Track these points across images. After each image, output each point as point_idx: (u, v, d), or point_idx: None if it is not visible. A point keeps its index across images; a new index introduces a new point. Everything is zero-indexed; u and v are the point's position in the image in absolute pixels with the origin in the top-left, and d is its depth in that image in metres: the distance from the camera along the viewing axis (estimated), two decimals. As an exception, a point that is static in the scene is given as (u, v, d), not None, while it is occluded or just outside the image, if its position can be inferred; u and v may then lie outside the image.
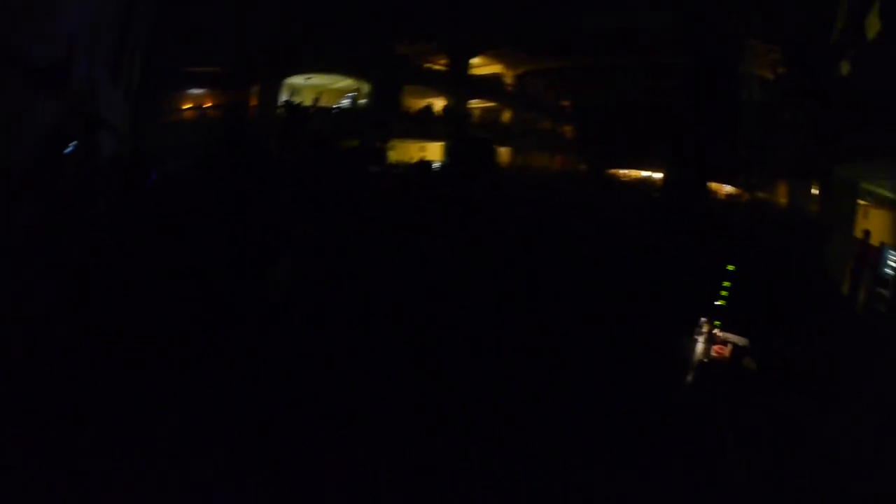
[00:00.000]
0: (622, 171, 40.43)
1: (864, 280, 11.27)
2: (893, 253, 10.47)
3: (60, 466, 3.50)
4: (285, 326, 5.94)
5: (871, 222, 15.37)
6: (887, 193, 13.45)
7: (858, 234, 12.80)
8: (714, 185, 28.94)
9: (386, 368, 5.31)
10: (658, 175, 33.46)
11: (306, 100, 32.06)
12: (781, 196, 23.24)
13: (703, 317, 6.54)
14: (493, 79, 41.55)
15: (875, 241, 12.08)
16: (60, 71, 7.76)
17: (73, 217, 8.20)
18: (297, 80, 31.13)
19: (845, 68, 12.13)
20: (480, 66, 40.45)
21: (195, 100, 27.77)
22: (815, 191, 15.57)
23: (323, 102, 32.51)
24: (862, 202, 14.30)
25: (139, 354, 4.88)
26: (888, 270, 10.56)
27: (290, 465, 3.86)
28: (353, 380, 5.04)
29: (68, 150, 8.04)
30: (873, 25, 10.26)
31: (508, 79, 41.97)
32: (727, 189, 28.70)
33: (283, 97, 29.30)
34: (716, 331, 6.40)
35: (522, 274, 7.37)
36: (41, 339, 5.11)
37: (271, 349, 5.37)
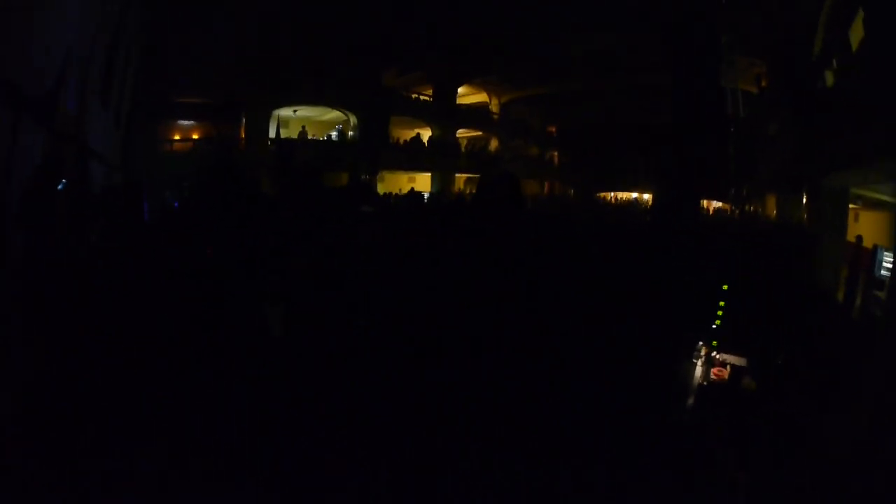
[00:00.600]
0: (611, 194, 40.68)
1: (859, 284, 11.31)
2: (888, 254, 10.50)
3: (61, 466, 3.44)
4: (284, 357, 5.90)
5: (863, 225, 15.46)
6: (877, 196, 13.54)
7: (851, 238, 12.87)
8: (704, 203, 29.17)
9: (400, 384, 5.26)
10: (647, 196, 33.77)
11: (294, 132, 32.27)
12: (771, 208, 23.40)
13: (700, 339, 6.47)
14: (480, 108, 41.92)
15: (868, 243, 12.15)
16: (49, 102, 7.74)
17: (66, 250, 8.14)
18: (285, 111, 31.30)
19: (830, 79, 12.30)
20: (466, 95, 40.81)
21: (184, 131, 27.97)
22: (804, 200, 15.64)
23: (311, 135, 32.68)
24: (852, 206, 14.40)
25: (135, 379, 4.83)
26: (883, 272, 10.59)
27: (290, 466, 3.81)
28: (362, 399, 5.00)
29: (60, 186, 8.00)
30: (857, 35, 10.41)
31: (494, 107, 42.21)
32: (717, 205, 28.88)
33: (272, 129, 29.49)
34: (714, 353, 6.32)
35: (524, 301, 7.32)
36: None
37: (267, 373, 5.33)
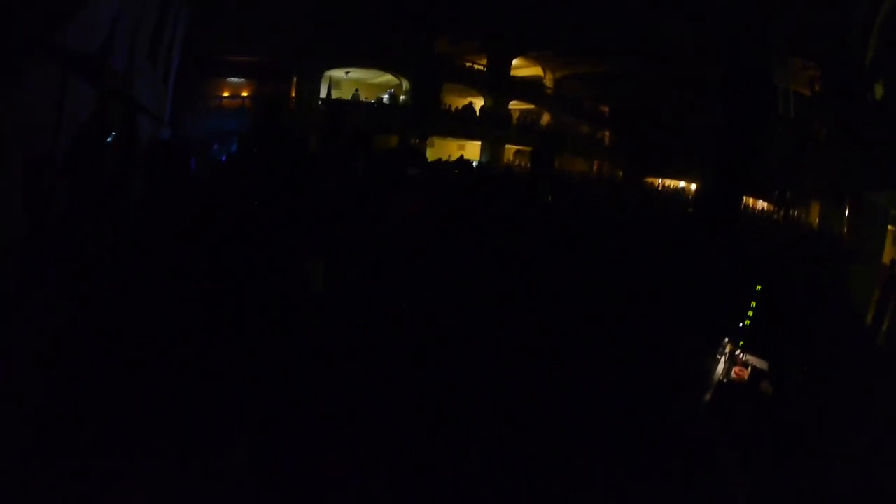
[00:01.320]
0: (659, 180, 40.05)
1: (888, 309, 11.07)
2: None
3: (61, 467, 3.54)
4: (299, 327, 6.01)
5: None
6: None
7: (886, 261, 12.56)
8: (750, 201, 28.58)
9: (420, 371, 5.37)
10: (694, 186, 33.15)
11: (345, 94, 32.30)
12: (814, 216, 22.88)
13: (727, 336, 6.46)
14: (534, 81, 41.41)
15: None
16: (99, 59, 7.93)
17: (112, 205, 8.36)
18: (336, 73, 31.33)
19: (879, 91, 11.92)
20: (521, 67, 40.37)
21: (233, 88, 28.12)
22: (846, 213, 15.27)
23: (363, 97, 32.71)
24: (892, 227, 14.02)
25: (156, 349, 4.98)
26: (915, 301, 10.37)
27: (291, 466, 3.91)
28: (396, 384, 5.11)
29: (108, 139, 8.20)
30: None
31: (548, 82, 41.73)
32: (760, 204, 28.28)
33: (323, 90, 29.53)
34: (738, 351, 6.31)
35: (554, 282, 7.34)
36: (72, 332, 5.22)
37: (281, 349, 5.45)
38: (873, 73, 12.20)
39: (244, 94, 28.00)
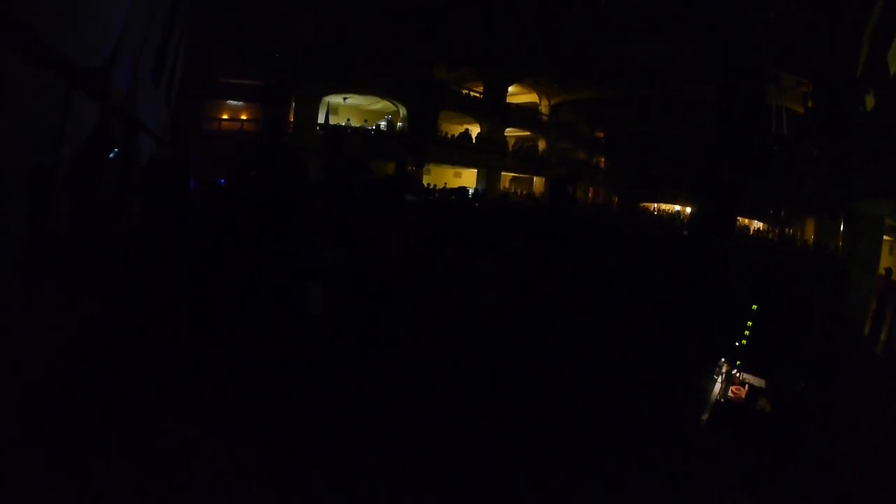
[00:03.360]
0: (654, 205, 40.31)
1: (885, 319, 11.10)
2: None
3: (61, 467, 3.54)
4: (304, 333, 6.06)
5: (896, 259, 15.14)
6: None
7: (882, 271, 12.63)
8: (745, 222, 28.78)
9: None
10: (689, 210, 33.37)
11: (343, 119, 32.54)
12: (809, 232, 23.04)
13: (724, 356, 6.48)
14: (529, 108, 41.86)
15: (899, 278, 11.94)
16: (103, 77, 8.00)
17: (111, 220, 8.41)
18: (335, 98, 31.57)
19: (870, 103, 12.07)
20: (517, 94, 40.78)
21: (232, 111, 28.38)
22: (841, 227, 15.37)
23: (360, 123, 32.95)
24: (888, 237, 14.11)
25: (161, 355, 5.02)
26: (911, 309, 10.41)
27: (291, 466, 3.91)
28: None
29: (111, 155, 8.27)
30: (895, 63, 10.23)
31: (544, 108, 42.12)
32: (757, 225, 28.46)
33: (321, 115, 29.75)
34: (734, 371, 6.33)
35: (560, 303, 7.39)
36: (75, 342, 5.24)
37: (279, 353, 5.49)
38: (864, 85, 12.36)
39: (243, 116, 28.25)
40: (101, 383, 4.47)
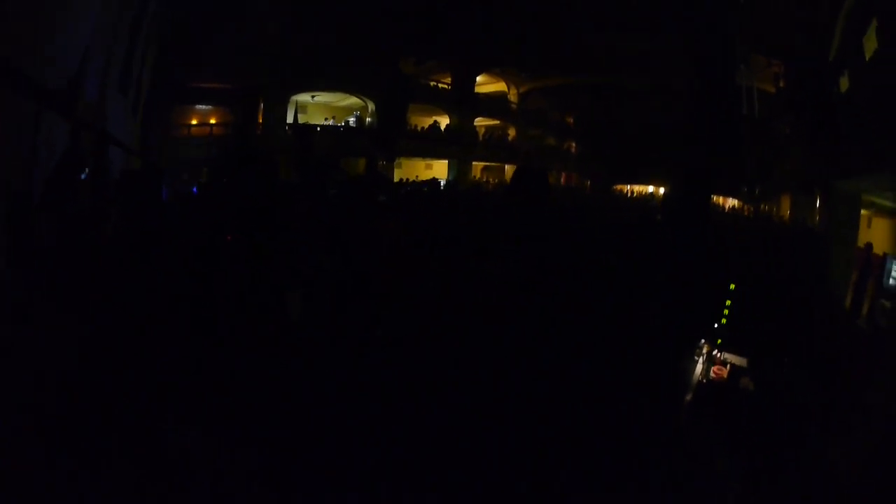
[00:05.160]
0: (627, 187, 40.54)
1: (867, 292, 11.26)
2: (899, 263, 10.43)
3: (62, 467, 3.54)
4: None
5: (875, 231, 15.37)
6: (889, 203, 13.49)
7: (861, 244, 12.79)
8: (720, 200, 29.06)
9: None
10: (662, 190, 33.57)
11: (312, 118, 32.36)
12: (785, 209, 23.29)
13: (704, 337, 6.51)
14: (498, 97, 41.86)
15: (880, 250, 12.10)
16: (71, 92, 7.91)
17: (86, 237, 8.31)
18: (303, 97, 31.37)
19: (844, 84, 12.23)
20: (485, 83, 40.76)
21: (201, 116, 28.13)
22: (817, 203, 15.56)
23: (329, 120, 32.83)
24: (865, 212, 14.31)
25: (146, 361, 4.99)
26: (892, 281, 10.54)
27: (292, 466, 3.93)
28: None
29: (82, 176, 8.18)
30: (871, 44, 10.37)
31: (513, 97, 42.16)
32: (732, 203, 28.75)
33: (290, 115, 29.60)
34: (715, 351, 6.37)
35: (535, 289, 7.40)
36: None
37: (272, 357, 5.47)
38: (838, 66, 12.51)
39: (212, 121, 28.00)
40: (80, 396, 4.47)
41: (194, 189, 13.99)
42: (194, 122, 28.03)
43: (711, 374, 6.11)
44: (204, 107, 28.22)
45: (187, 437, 4.04)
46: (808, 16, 14.75)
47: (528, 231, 8.05)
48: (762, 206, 24.03)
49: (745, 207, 25.32)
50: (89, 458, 3.71)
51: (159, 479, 3.61)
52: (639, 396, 5.48)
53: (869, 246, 12.40)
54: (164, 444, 3.94)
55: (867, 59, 10.60)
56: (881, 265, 11.22)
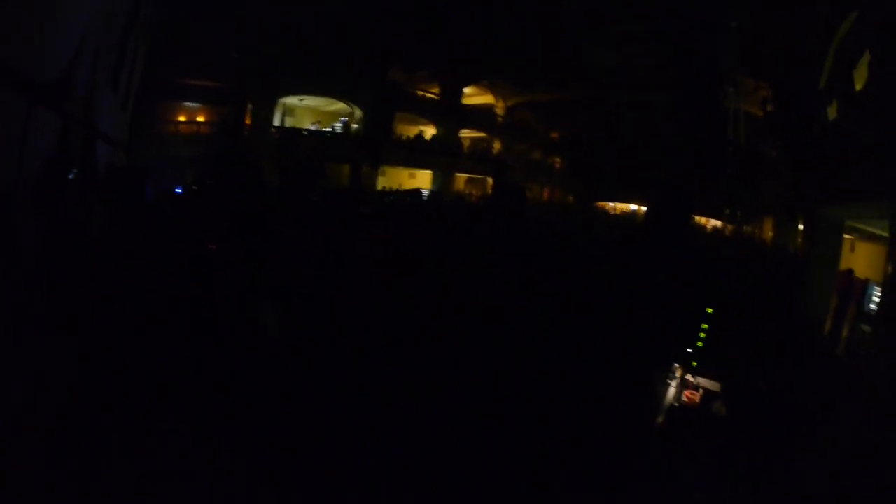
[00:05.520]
0: (610, 204, 40.69)
1: (846, 317, 11.32)
2: (878, 289, 10.49)
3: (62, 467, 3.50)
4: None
5: (858, 256, 15.48)
6: (872, 229, 13.61)
7: (843, 268, 12.90)
8: (703, 220, 29.21)
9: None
10: (645, 208, 33.57)
11: (299, 121, 32.28)
12: (767, 231, 23.45)
13: (678, 361, 6.50)
14: (485, 109, 41.97)
15: (862, 275, 12.18)
16: (62, 88, 7.80)
17: (73, 234, 8.20)
18: (291, 100, 31.28)
19: (832, 112, 12.34)
20: (472, 95, 40.84)
21: (189, 113, 27.98)
22: (800, 227, 15.66)
23: (316, 125, 32.77)
24: (848, 237, 14.42)
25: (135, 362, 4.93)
26: (872, 306, 10.62)
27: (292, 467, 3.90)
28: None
29: (70, 175, 8.07)
30: (862, 76, 10.47)
31: (500, 110, 42.29)
32: (714, 223, 28.92)
33: (277, 117, 29.49)
34: (688, 375, 6.35)
35: (512, 308, 7.39)
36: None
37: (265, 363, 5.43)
38: (828, 94, 12.62)
39: (200, 119, 27.85)
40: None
41: (178, 189, 13.88)
42: (182, 118, 27.88)
43: (683, 398, 6.12)
44: (192, 104, 28.08)
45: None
46: (799, 42, 14.88)
47: (506, 248, 8.02)
48: (744, 227, 24.17)
49: (727, 228, 25.47)
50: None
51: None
52: (610, 419, 5.47)
53: (850, 271, 12.48)
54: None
55: (857, 89, 10.69)
56: (862, 290, 11.30)
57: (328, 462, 4.07)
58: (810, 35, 14.19)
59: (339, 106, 34.01)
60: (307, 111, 33.95)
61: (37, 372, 4.83)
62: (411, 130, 37.58)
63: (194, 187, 11.79)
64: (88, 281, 7.35)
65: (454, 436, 4.81)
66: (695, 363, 6.43)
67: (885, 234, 12.59)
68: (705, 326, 6.71)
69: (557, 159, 45.49)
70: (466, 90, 38.74)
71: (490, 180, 40.87)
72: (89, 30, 8.88)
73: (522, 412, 5.37)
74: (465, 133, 40.28)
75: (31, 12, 6.48)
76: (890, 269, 7.85)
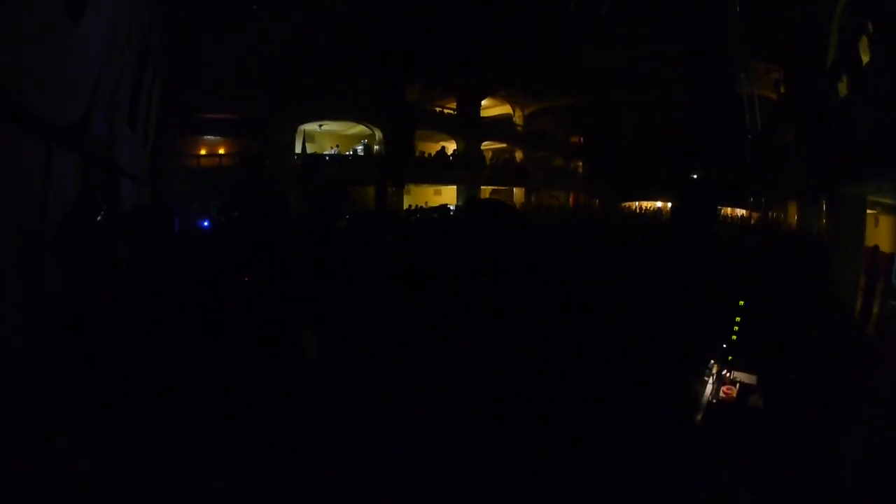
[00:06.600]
0: (636, 203, 40.43)
1: (876, 295, 11.14)
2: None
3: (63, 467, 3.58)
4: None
5: (882, 230, 15.25)
6: (893, 202, 13.45)
7: (868, 244, 12.69)
8: (728, 210, 28.88)
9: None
10: (671, 205, 33.38)
11: (320, 147, 32.55)
12: (792, 215, 23.10)
13: (713, 357, 6.45)
14: (504, 120, 42.07)
15: (886, 248, 12.02)
16: (80, 129, 8.03)
17: (100, 275, 8.36)
18: (310, 126, 31.58)
19: (843, 90, 12.23)
20: (490, 107, 40.95)
21: (209, 146, 28.35)
22: (824, 208, 15.45)
23: (334, 149, 33.08)
24: (871, 211, 14.21)
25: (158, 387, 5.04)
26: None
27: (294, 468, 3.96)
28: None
29: (98, 217, 8.25)
30: (866, 49, 10.39)
31: (518, 119, 42.41)
32: (739, 212, 28.58)
33: (298, 144, 29.75)
34: (725, 371, 6.31)
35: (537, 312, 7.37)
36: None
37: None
38: (836, 71, 12.50)
39: (220, 151, 28.20)
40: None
41: (205, 223, 14.04)
42: (203, 152, 28.35)
43: (721, 394, 6.05)
44: (212, 137, 28.47)
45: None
46: (803, 20, 14.77)
47: (542, 254, 7.99)
48: (769, 214, 23.86)
49: (753, 216, 25.16)
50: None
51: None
52: (648, 423, 5.44)
53: (875, 247, 12.31)
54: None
55: (864, 63, 10.62)
56: (889, 264, 11.13)
57: (328, 462, 4.13)
58: (812, 10, 14.08)
59: (359, 129, 34.26)
60: (327, 136, 34.18)
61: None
62: (433, 147, 37.68)
63: (222, 219, 11.94)
64: (120, 322, 7.49)
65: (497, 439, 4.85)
66: (730, 357, 6.37)
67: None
68: (738, 319, 6.66)
69: (580, 163, 45.39)
70: (484, 102, 38.72)
71: (515, 190, 40.95)
72: (103, 73, 9.14)
73: (557, 413, 5.37)
74: (487, 145, 40.26)
75: (46, 56, 6.71)
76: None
